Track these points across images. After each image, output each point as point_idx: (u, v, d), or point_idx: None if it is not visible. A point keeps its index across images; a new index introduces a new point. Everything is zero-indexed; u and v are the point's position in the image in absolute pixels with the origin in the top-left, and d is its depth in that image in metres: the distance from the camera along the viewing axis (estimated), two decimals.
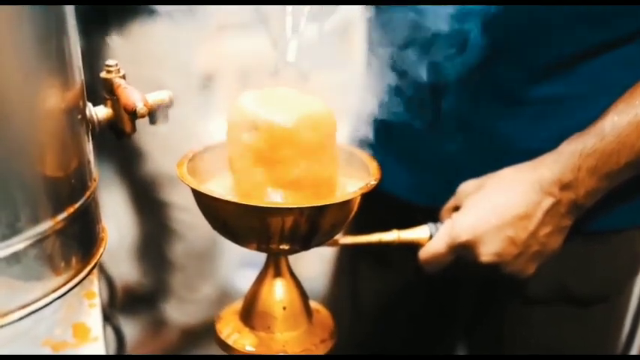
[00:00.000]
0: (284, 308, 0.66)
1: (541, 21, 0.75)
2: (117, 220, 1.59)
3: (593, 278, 0.87)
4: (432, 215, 0.80)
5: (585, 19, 0.74)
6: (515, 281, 0.78)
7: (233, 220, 0.60)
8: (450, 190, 0.80)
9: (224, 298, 1.62)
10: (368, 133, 0.70)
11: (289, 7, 0.68)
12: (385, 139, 0.75)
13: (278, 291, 0.66)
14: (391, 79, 0.70)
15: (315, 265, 1.31)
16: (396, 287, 1.01)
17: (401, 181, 0.90)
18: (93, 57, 0.59)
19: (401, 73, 0.71)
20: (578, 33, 0.75)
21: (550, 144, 0.75)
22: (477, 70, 0.78)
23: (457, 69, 0.73)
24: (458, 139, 0.84)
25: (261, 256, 0.67)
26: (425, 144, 0.87)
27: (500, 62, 0.78)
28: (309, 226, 0.58)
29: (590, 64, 0.77)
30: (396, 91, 0.70)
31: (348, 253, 1.05)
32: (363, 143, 0.70)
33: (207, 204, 0.60)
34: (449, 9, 0.68)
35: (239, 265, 1.70)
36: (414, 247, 0.76)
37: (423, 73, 0.71)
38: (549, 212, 0.73)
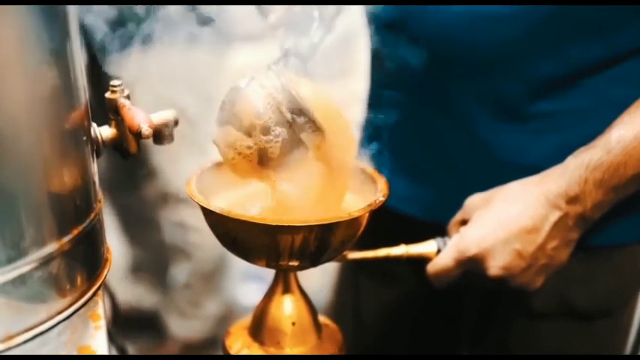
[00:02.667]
0: (293, 324, 0.66)
1: (541, 36, 0.75)
2: (122, 239, 1.58)
3: (596, 293, 0.87)
4: (434, 230, 0.79)
5: (586, 34, 0.74)
6: (520, 295, 0.77)
7: (243, 237, 0.60)
8: (453, 206, 0.79)
9: (228, 313, 1.61)
10: (371, 147, 0.70)
11: (297, 8, 0.68)
12: (388, 153, 0.74)
13: (287, 306, 0.66)
14: (392, 89, 0.70)
15: (317, 277, 1.30)
16: (399, 300, 1.00)
17: (404, 196, 0.89)
18: (97, 76, 0.59)
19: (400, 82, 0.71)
20: (579, 49, 0.75)
21: (550, 159, 0.75)
22: (478, 84, 0.78)
23: None
24: (460, 153, 0.84)
25: (266, 269, 0.66)
26: (427, 158, 0.87)
27: (501, 77, 0.78)
28: (319, 243, 0.58)
29: (590, 80, 0.77)
30: (397, 103, 0.69)
31: (350, 266, 1.05)
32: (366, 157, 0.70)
33: (217, 221, 0.60)
34: None
35: (243, 278, 1.70)
36: (421, 261, 0.76)
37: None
38: (556, 225, 0.72)
